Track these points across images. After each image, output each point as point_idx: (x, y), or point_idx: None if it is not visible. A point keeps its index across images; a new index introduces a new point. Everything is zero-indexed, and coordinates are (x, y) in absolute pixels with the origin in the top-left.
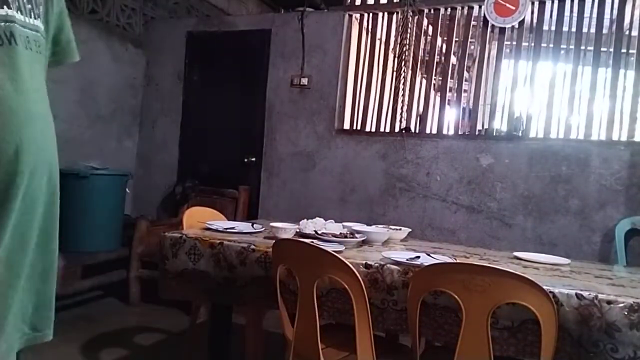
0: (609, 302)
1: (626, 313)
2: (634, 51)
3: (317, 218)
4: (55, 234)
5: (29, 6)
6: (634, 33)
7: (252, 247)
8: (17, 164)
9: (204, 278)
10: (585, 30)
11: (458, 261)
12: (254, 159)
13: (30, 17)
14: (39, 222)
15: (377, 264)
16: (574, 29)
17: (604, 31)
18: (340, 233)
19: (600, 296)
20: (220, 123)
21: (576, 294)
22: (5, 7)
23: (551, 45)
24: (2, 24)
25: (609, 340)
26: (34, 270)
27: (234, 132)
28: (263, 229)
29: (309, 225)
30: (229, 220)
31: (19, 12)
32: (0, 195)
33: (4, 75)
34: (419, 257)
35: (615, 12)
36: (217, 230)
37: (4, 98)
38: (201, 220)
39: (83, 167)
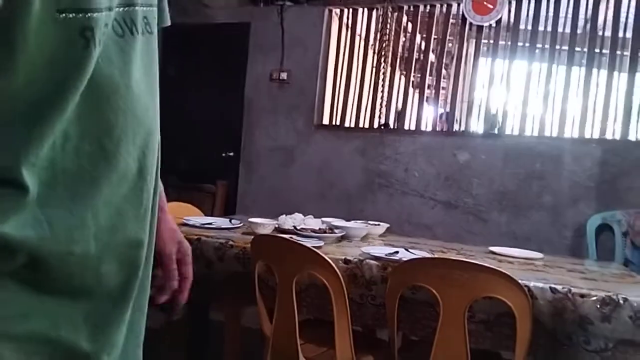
0: (582, 296)
1: (598, 306)
2: (607, 51)
3: (296, 213)
4: None
5: None
6: (607, 33)
7: (231, 242)
8: (143, 183)
9: None
10: (560, 29)
11: (436, 256)
12: (232, 154)
13: None
14: None
15: (356, 260)
16: (549, 29)
17: (579, 31)
18: (320, 228)
19: (573, 290)
20: (198, 117)
21: (550, 287)
22: None
23: (527, 44)
24: (121, 9)
25: (582, 332)
26: None
27: (212, 126)
28: (241, 224)
29: (288, 221)
30: (206, 215)
31: None
32: (139, 220)
33: (128, 76)
34: (397, 252)
35: (589, 12)
36: (194, 226)
37: (125, 101)
38: (178, 215)
39: None
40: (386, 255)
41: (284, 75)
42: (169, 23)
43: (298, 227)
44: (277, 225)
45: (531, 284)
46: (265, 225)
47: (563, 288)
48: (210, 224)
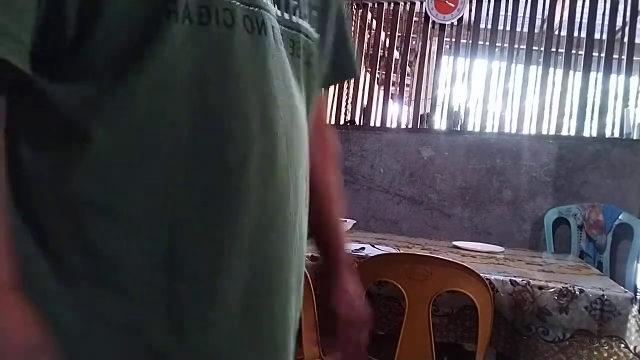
0: (540, 288)
1: (556, 297)
2: (562, 50)
3: None
4: None
5: (294, 2)
6: (563, 33)
7: None
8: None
9: None
10: (518, 29)
11: (401, 252)
12: None
13: (294, 15)
14: None
15: None
16: (508, 28)
17: (536, 30)
18: None
19: (532, 282)
20: None
21: (510, 280)
22: None
23: (487, 43)
24: (248, 7)
25: (541, 323)
26: None
27: None
28: None
29: None
30: None
31: (275, 5)
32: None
33: (252, 70)
34: (363, 248)
35: (546, 12)
36: None
37: (240, 98)
38: None
39: None
40: (353, 251)
41: None
42: (357, 74)
43: None
44: None
45: (492, 277)
46: None
47: (522, 280)
48: None
